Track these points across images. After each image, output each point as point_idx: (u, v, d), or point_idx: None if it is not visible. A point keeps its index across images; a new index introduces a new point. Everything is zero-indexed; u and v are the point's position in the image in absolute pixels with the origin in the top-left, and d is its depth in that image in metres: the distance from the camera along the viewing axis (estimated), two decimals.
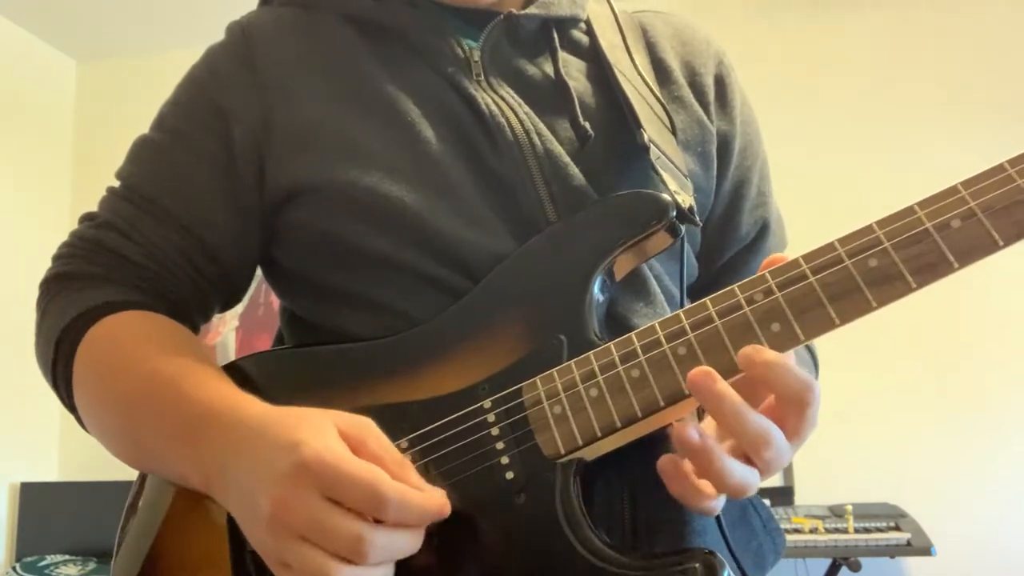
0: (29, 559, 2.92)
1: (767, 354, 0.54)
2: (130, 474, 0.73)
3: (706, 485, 0.56)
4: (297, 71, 0.74)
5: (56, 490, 3.16)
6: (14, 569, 2.87)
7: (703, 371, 0.54)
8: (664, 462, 0.57)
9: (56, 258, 0.76)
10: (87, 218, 0.77)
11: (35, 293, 0.76)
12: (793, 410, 0.55)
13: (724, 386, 0.53)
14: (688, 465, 0.56)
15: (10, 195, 3.28)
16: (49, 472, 3.31)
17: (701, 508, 0.57)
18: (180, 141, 0.75)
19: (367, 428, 0.56)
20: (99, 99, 3.60)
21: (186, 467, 0.62)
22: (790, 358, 0.55)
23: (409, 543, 0.54)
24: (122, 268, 0.73)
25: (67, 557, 2.92)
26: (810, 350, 0.82)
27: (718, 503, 0.58)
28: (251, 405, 0.60)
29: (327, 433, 0.54)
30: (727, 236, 0.81)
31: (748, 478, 0.55)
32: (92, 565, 2.88)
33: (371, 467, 0.52)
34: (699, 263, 0.78)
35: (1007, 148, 0.56)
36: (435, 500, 0.55)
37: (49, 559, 2.90)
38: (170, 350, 0.66)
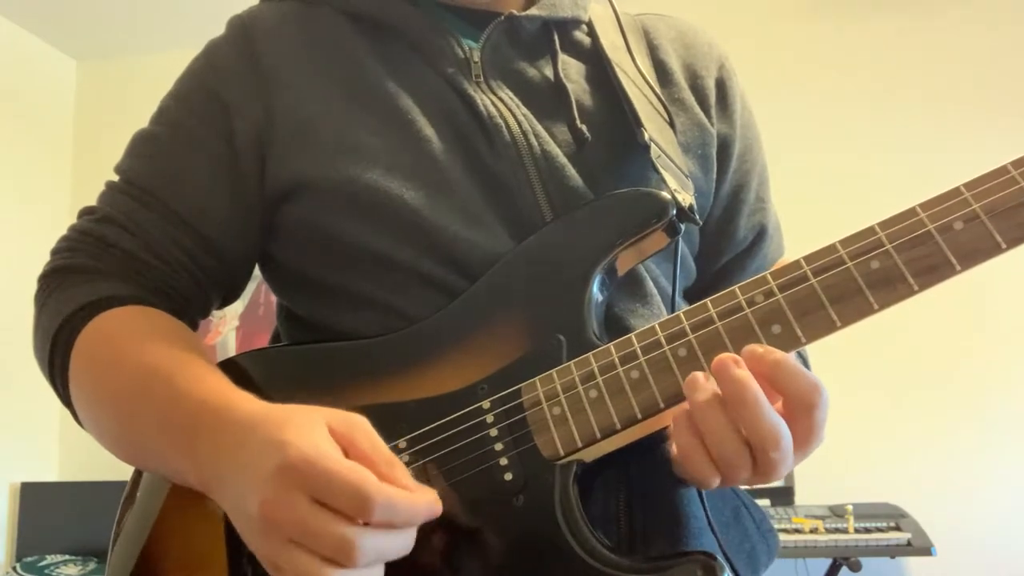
0: (29, 559, 2.92)
1: (776, 353, 0.53)
2: (130, 474, 0.72)
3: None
4: (298, 66, 0.74)
5: (56, 490, 3.15)
6: (14, 569, 2.87)
7: (729, 356, 0.53)
8: (679, 413, 0.56)
9: (55, 252, 0.75)
10: (86, 212, 0.76)
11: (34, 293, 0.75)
12: (801, 413, 0.54)
13: (748, 373, 0.53)
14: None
15: (10, 195, 3.28)
16: (49, 472, 3.31)
17: (699, 473, 0.56)
18: (180, 134, 0.75)
19: (358, 426, 0.55)
20: (99, 99, 3.60)
21: (182, 465, 0.61)
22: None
23: (399, 544, 0.53)
24: (120, 262, 0.72)
25: (67, 557, 2.92)
26: (801, 356, 0.81)
27: (713, 477, 0.56)
28: (244, 403, 0.59)
29: (315, 432, 0.53)
30: (724, 240, 0.80)
31: (741, 462, 0.54)
32: (92, 565, 2.87)
33: (357, 467, 0.51)
34: (696, 266, 0.78)
35: (1012, 150, 0.56)
36: (424, 501, 0.53)
37: (49, 559, 2.90)
38: (167, 347, 0.66)
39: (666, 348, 0.57)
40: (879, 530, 2.37)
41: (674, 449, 0.58)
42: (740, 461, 0.54)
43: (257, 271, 0.80)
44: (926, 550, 2.28)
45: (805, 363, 0.81)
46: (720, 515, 0.67)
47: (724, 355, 0.53)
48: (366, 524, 0.51)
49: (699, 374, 0.54)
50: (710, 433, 0.54)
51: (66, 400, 0.71)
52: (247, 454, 0.54)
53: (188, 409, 0.60)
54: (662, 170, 0.67)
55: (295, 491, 0.51)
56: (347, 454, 0.53)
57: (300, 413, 0.55)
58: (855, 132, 2.95)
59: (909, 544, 2.31)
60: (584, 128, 0.71)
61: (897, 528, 2.39)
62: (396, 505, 0.51)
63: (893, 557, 2.49)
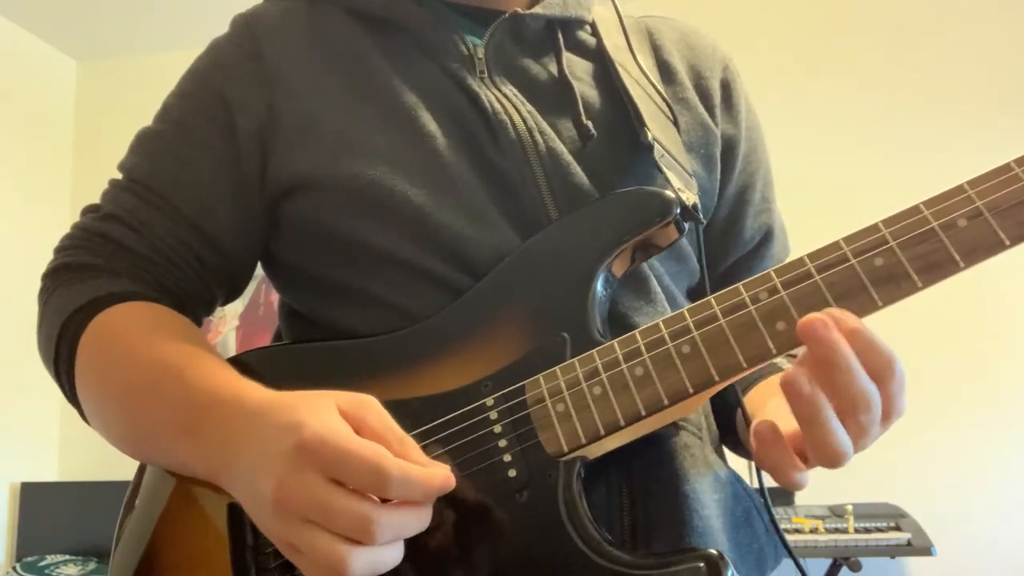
0: (29, 559, 2.92)
1: (851, 319, 0.52)
2: (130, 474, 0.72)
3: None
4: (302, 64, 0.74)
5: (56, 490, 3.15)
6: (14, 569, 2.86)
7: (819, 317, 0.52)
8: (762, 427, 0.55)
9: (58, 250, 0.75)
10: (90, 210, 0.76)
11: (36, 293, 0.75)
12: (876, 384, 0.53)
13: (840, 335, 0.52)
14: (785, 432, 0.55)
15: (10, 194, 3.28)
16: (49, 472, 3.30)
17: (792, 480, 0.56)
18: (184, 132, 0.75)
19: (368, 405, 0.55)
20: (99, 99, 3.60)
21: (190, 456, 0.62)
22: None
23: (417, 521, 0.53)
24: (124, 259, 0.72)
25: (67, 557, 2.92)
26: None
27: (805, 476, 0.56)
28: (254, 391, 0.59)
29: (327, 412, 0.53)
30: (730, 241, 0.81)
31: (846, 443, 0.53)
32: (92, 565, 2.87)
33: (372, 445, 0.52)
34: (701, 266, 0.78)
35: (1012, 150, 0.56)
36: (439, 475, 0.54)
37: (49, 559, 2.90)
38: (173, 340, 0.66)
39: (670, 345, 0.57)
40: (879, 530, 2.37)
41: (766, 458, 0.57)
42: (844, 449, 0.53)
43: (259, 269, 0.81)
44: (926, 550, 2.28)
45: None
46: (732, 515, 0.67)
47: (812, 315, 0.52)
48: (384, 501, 0.51)
49: (796, 372, 0.52)
50: (816, 427, 0.52)
51: (71, 396, 0.71)
52: (259, 440, 0.55)
53: (198, 402, 0.61)
54: (665, 169, 0.68)
55: (311, 471, 0.51)
56: (359, 433, 0.53)
57: (310, 396, 0.56)
58: (855, 133, 2.95)
59: (909, 544, 2.31)
60: (589, 124, 0.71)
61: (897, 528, 2.39)
62: (412, 480, 0.52)
63: (893, 557, 2.50)
